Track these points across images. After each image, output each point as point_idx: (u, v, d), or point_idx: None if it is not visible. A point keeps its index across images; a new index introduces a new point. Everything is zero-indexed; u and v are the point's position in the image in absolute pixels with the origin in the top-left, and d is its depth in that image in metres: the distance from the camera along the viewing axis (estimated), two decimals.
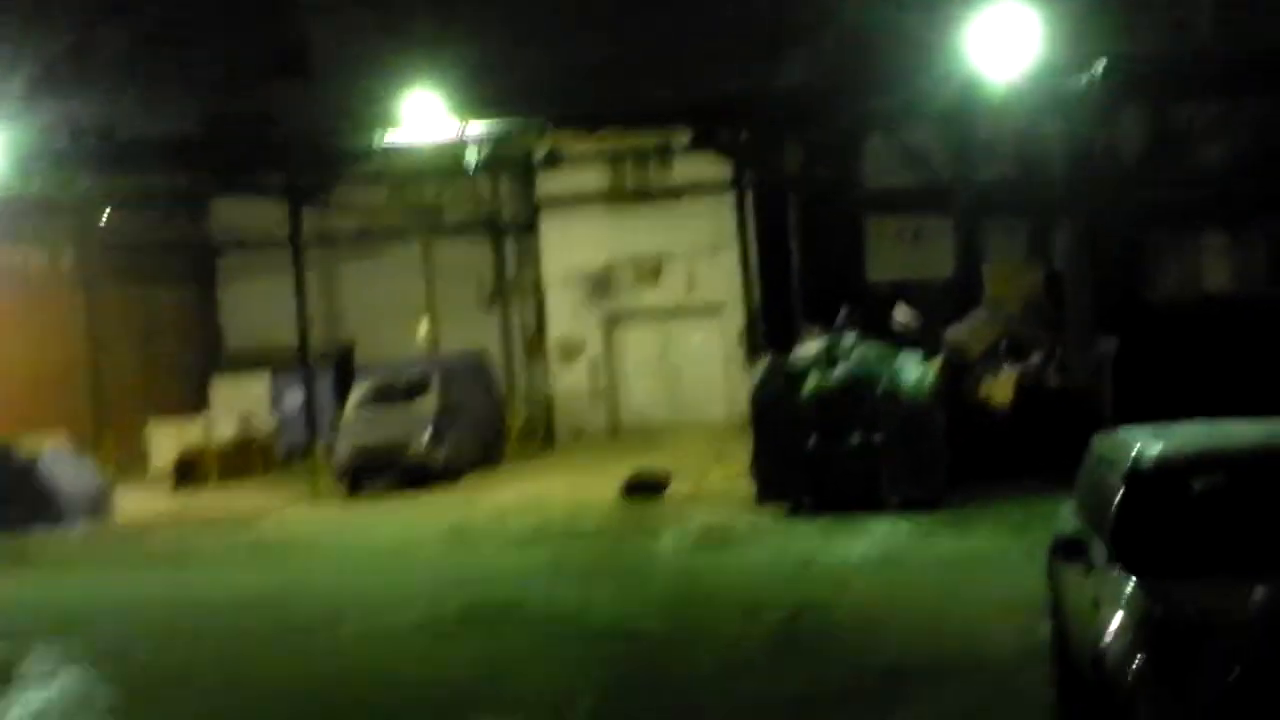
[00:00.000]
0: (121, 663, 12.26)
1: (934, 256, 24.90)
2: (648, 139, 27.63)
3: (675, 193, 30.63)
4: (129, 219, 29.47)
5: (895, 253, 25.95)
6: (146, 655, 12.61)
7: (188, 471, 27.42)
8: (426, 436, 24.58)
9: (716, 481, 21.39)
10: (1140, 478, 7.26)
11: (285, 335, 27.32)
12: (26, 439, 23.78)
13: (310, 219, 28.62)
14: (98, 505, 23.59)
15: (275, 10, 26.85)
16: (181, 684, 11.50)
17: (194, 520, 22.87)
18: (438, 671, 11.14)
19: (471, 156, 22.46)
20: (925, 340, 19.79)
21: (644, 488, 20.84)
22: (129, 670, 12.01)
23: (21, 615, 15.21)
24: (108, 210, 26.52)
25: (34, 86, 23.44)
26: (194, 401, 31.68)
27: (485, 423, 27.10)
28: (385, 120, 21.69)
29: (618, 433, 30.94)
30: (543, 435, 31.46)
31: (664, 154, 29.68)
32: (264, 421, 30.47)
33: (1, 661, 12.41)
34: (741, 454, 19.56)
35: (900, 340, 19.80)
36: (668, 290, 31.02)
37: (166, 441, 29.17)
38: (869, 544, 15.40)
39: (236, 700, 10.89)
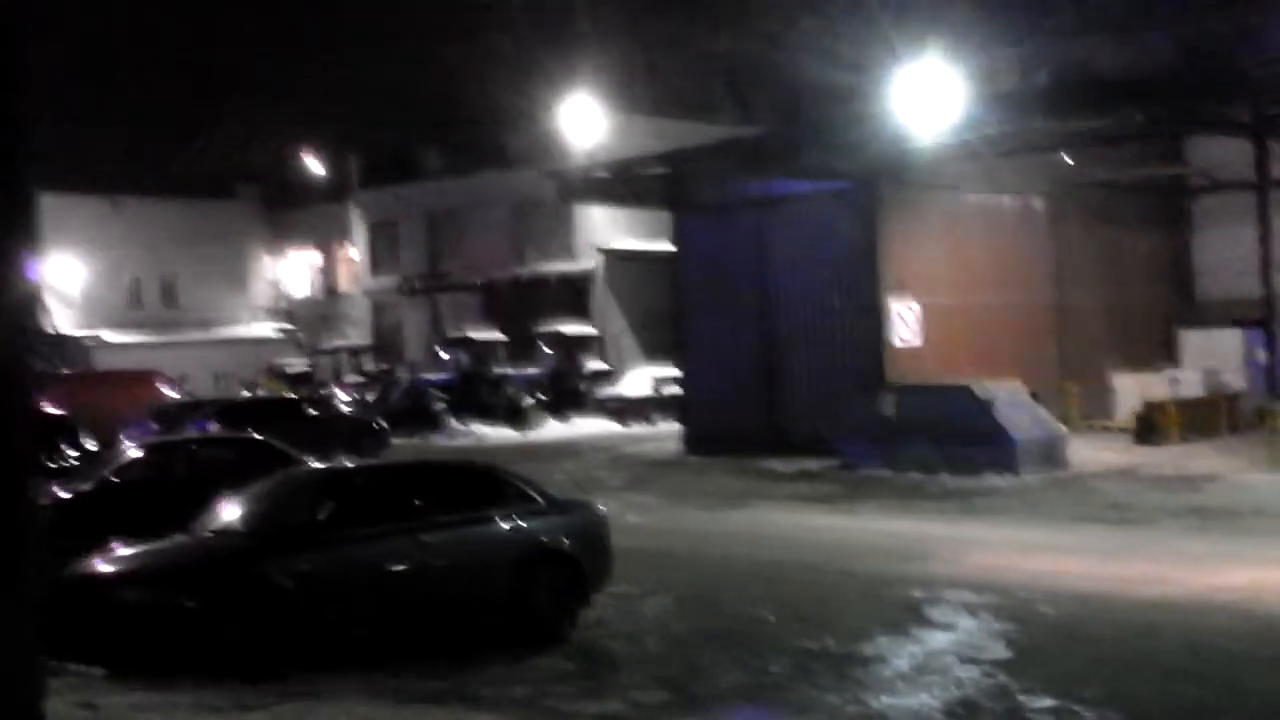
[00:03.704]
0: (1020, 617, 11.80)
1: None
2: None
3: None
4: (1098, 160, 28.74)
5: None
6: (1049, 611, 12.05)
7: (1147, 426, 26.36)
8: None
9: None
10: None
11: (1258, 287, 25.12)
12: (985, 382, 24.03)
13: None
14: (1050, 454, 23.37)
15: None
16: (1071, 645, 10.81)
17: (1144, 477, 21.86)
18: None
19: None
20: None
21: None
22: (1027, 626, 11.51)
23: (941, 558, 15.29)
24: (1072, 152, 25.92)
25: (992, 32, 23.56)
26: (1159, 353, 30.48)
27: None
28: None
29: None
30: None
31: None
32: (1233, 379, 28.54)
33: (915, 603, 12.56)
34: None
35: None
36: None
37: (1128, 393, 28.34)
38: None
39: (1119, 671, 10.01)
